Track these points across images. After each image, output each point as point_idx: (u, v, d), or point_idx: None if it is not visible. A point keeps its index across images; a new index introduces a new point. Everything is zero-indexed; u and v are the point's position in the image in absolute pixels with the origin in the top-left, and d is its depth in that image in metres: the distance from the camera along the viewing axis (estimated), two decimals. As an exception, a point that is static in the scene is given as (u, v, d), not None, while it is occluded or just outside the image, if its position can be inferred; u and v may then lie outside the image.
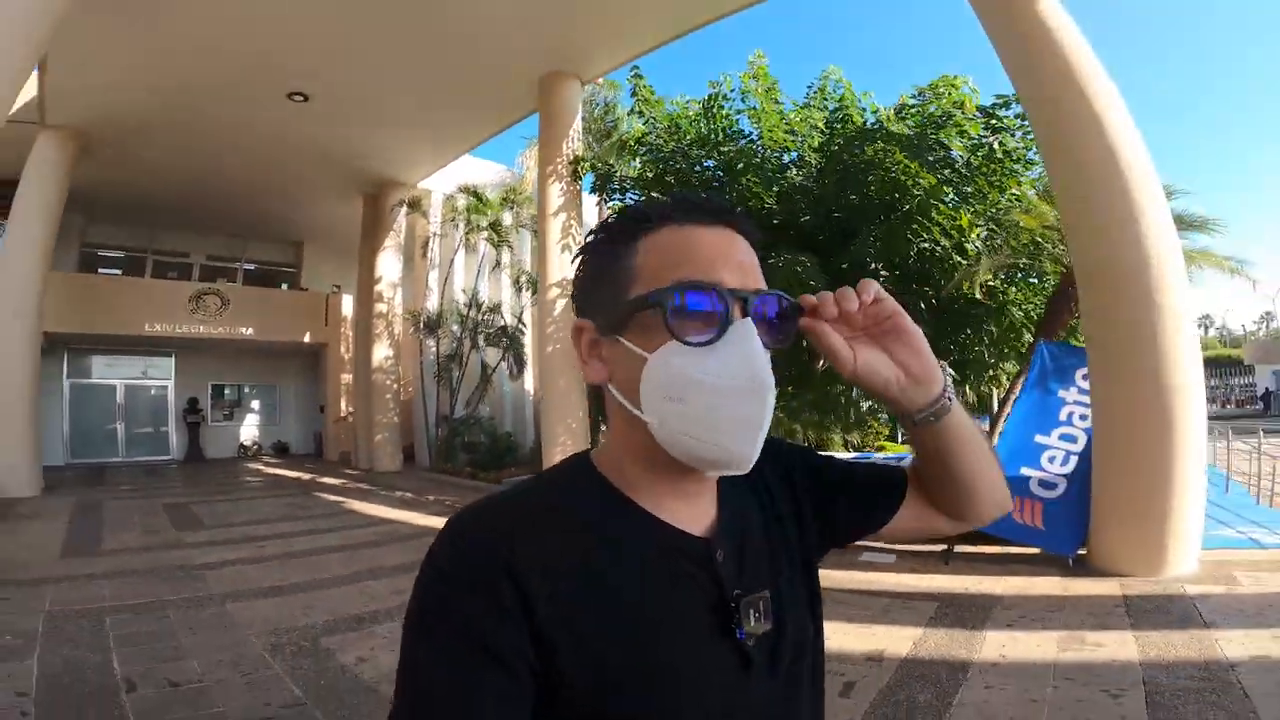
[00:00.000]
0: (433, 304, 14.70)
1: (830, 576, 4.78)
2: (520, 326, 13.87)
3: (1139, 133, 4.74)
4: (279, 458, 17.23)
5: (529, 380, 14.89)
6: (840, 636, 3.44)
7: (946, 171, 7.36)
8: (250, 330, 15.77)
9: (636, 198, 9.67)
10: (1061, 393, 5.58)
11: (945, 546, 5.27)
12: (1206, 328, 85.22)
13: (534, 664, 0.52)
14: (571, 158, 8.88)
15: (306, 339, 16.95)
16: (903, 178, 6.91)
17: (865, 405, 8.65)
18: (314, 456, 17.43)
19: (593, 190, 9.30)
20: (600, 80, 11.39)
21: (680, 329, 0.54)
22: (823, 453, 0.80)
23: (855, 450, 8.58)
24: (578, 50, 8.70)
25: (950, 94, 7.67)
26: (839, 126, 7.94)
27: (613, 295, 0.59)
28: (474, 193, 12.60)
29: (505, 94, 9.57)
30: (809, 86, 8.98)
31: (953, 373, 8.08)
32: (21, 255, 9.23)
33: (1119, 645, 3.22)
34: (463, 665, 0.50)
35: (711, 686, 0.57)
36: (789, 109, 8.38)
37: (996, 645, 3.33)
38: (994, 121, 7.06)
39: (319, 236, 17.85)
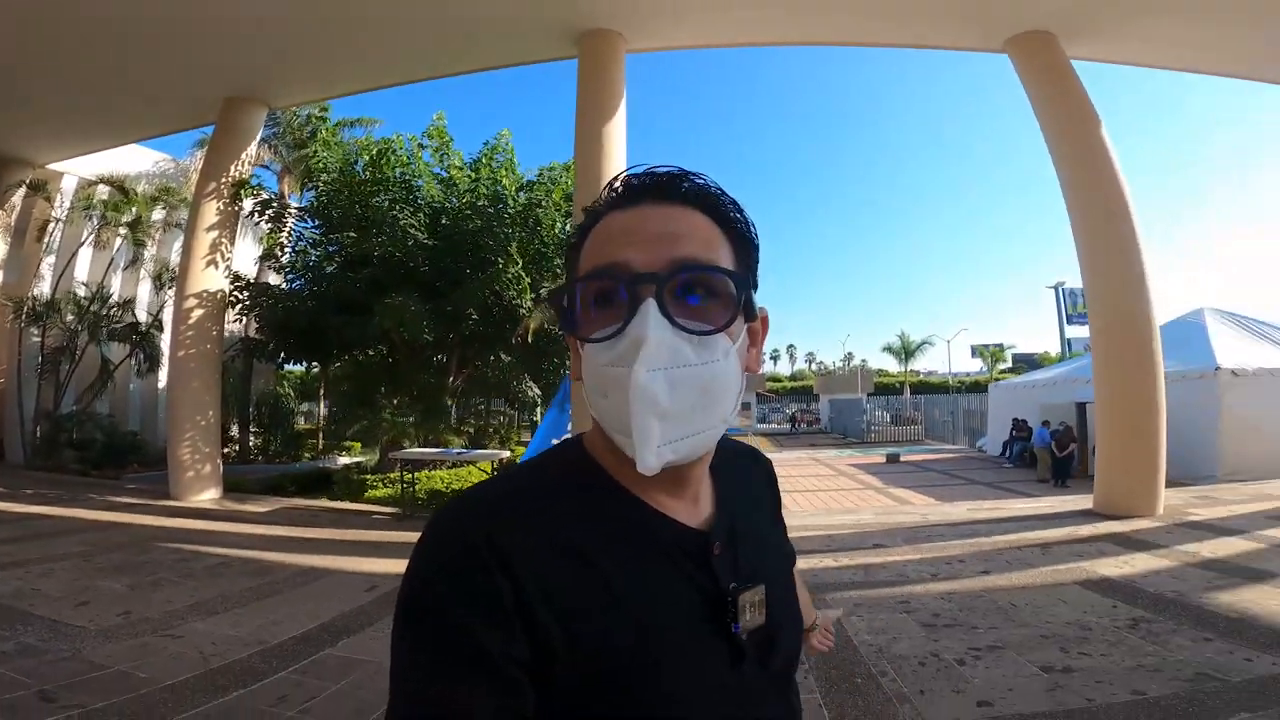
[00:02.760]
0: (42, 291, 13.35)
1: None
2: (158, 323, 13.49)
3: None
4: None
5: (163, 378, 14.37)
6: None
7: (535, 245, 10.44)
8: None
9: (305, 226, 10.94)
10: (571, 411, 8.57)
11: None
12: (810, 362, 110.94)
13: (527, 659, 0.49)
14: (237, 179, 9.48)
15: None
16: (491, 253, 9.64)
17: (456, 416, 11.27)
18: None
19: (251, 214, 10.29)
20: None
21: (588, 325, 0.55)
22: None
23: (466, 446, 10.98)
24: (265, 79, 9.21)
25: (564, 179, 10.86)
26: (479, 189, 10.42)
27: (565, 294, 0.58)
28: (119, 186, 12.11)
29: (184, 103, 9.63)
30: (485, 142, 11.39)
31: (538, 390, 11.17)
32: None
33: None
34: (451, 665, 0.48)
35: (704, 679, 0.55)
36: (459, 165, 10.70)
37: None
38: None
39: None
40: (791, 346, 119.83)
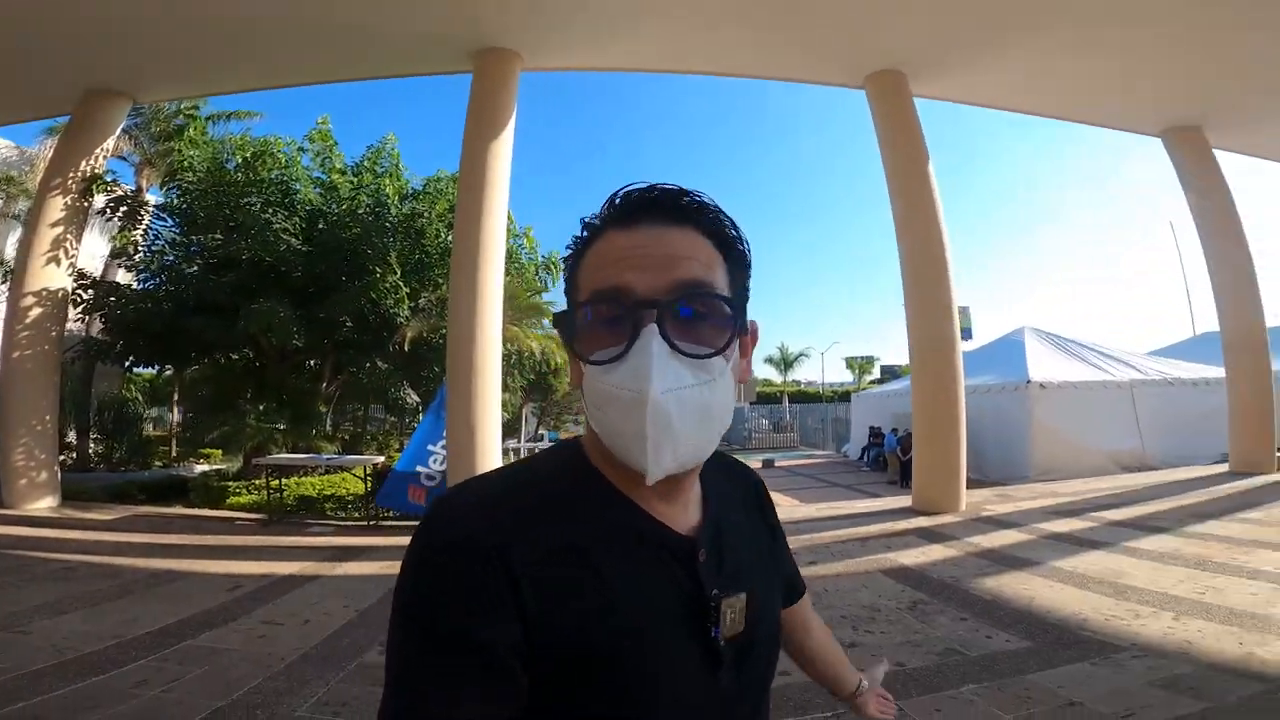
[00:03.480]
0: None
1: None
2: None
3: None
4: None
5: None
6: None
7: (417, 255, 10.55)
8: None
9: (164, 225, 10.40)
10: (445, 417, 8.76)
11: (371, 521, 7.96)
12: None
13: (520, 648, 0.52)
14: (90, 174, 8.91)
15: None
16: (369, 261, 9.71)
17: (330, 423, 11.18)
18: None
19: (102, 213, 9.69)
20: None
21: (590, 344, 0.57)
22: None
23: (339, 452, 10.84)
24: (133, 74, 8.65)
25: (449, 190, 10.99)
26: (359, 194, 10.35)
27: (569, 303, 0.61)
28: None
29: (38, 92, 8.85)
30: (368, 146, 11.26)
31: (417, 397, 11.26)
32: None
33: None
34: (448, 650, 0.50)
35: (680, 680, 0.58)
36: (340, 168, 10.54)
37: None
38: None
39: None
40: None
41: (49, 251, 8.56)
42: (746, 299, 0.64)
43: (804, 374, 50.28)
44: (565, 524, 0.58)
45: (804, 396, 41.32)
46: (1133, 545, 5.40)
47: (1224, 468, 9.57)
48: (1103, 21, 7.55)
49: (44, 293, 8.53)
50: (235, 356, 11.17)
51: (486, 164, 7.70)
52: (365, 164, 10.96)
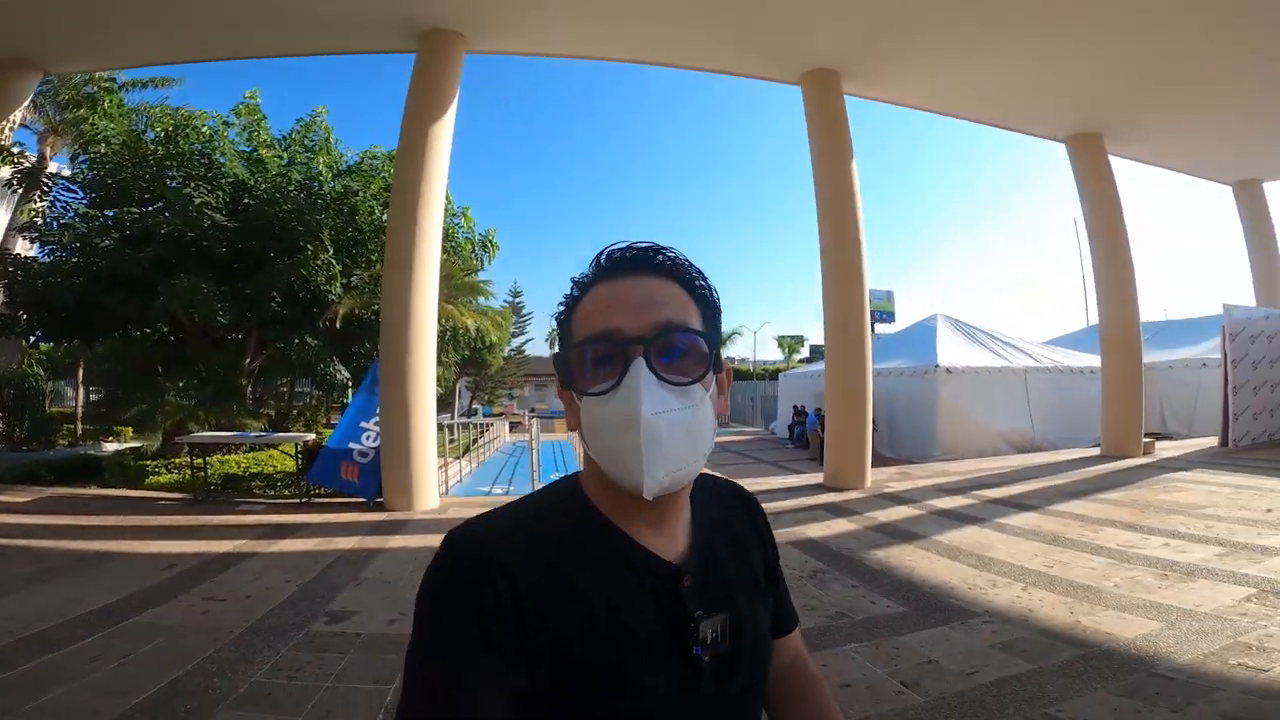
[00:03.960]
0: None
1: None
2: None
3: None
4: None
5: None
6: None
7: (350, 232, 10.41)
8: None
9: (74, 198, 9.84)
10: (380, 394, 8.74)
11: (302, 499, 7.93)
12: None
13: (526, 651, 0.59)
14: None
15: None
16: (300, 239, 9.56)
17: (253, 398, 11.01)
18: None
19: (8, 185, 9.10)
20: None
21: (587, 381, 0.66)
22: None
23: (266, 429, 10.64)
24: (40, 42, 8.03)
25: (385, 168, 10.82)
26: (290, 169, 10.09)
27: (562, 345, 0.71)
28: None
29: None
30: (298, 120, 10.87)
31: (348, 373, 11.16)
32: None
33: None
34: (467, 651, 0.58)
35: (666, 698, 0.64)
36: (268, 142, 10.19)
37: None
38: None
39: None
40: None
41: None
42: (718, 340, 0.72)
43: (736, 351, 51.39)
44: (562, 551, 0.65)
45: (736, 374, 42.33)
46: (1003, 521, 6.03)
47: (1097, 451, 10.59)
48: (1016, 26, 8.10)
49: None
50: (149, 331, 10.74)
51: (427, 144, 7.71)
52: (294, 137, 10.66)
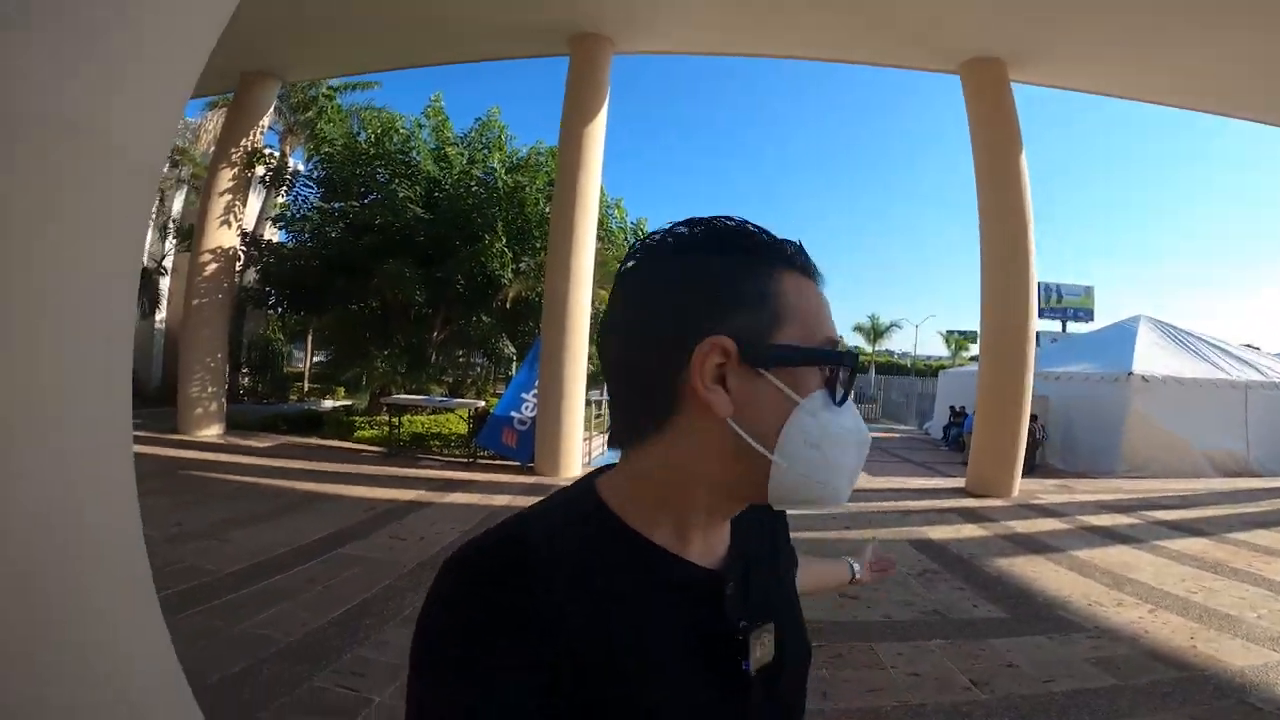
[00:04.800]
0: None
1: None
2: (161, 269, 14.44)
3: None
4: None
5: (158, 320, 15.41)
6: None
7: (519, 222, 11.58)
8: None
9: (308, 192, 11.96)
10: (538, 368, 9.63)
11: (470, 459, 9.15)
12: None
13: (551, 670, 0.49)
14: (252, 148, 10.43)
15: None
16: (479, 229, 10.82)
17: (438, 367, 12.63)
18: None
19: (262, 181, 11.30)
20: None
21: (814, 386, 0.56)
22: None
23: (446, 395, 12.27)
24: (280, 57, 9.91)
25: (548, 164, 11.91)
26: (471, 166, 11.50)
27: (754, 323, 0.56)
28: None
29: (207, 73, 10.34)
30: (476, 119, 12.33)
31: (514, 349, 12.46)
32: None
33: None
34: (485, 667, 0.48)
35: (711, 716, 0.57)
36: (452, 140, 11.73)
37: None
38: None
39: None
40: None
41: (221, 216, 10.21)
42: None
43: (896, 344, 48.56)
44: (588, 564, 0.55)
45: (892, 368, 40.09)
46: (1161, 544, 5.53)
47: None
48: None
49: (218, 250, 10.20)
50: (362, 306, 12.73)
51: (582, 142, 8.43)
52: (474, 136, 12.00)
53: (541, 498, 0.62)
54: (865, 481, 8.93)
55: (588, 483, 0.62)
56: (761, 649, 0.61)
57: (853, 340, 44.95)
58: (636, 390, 0.58)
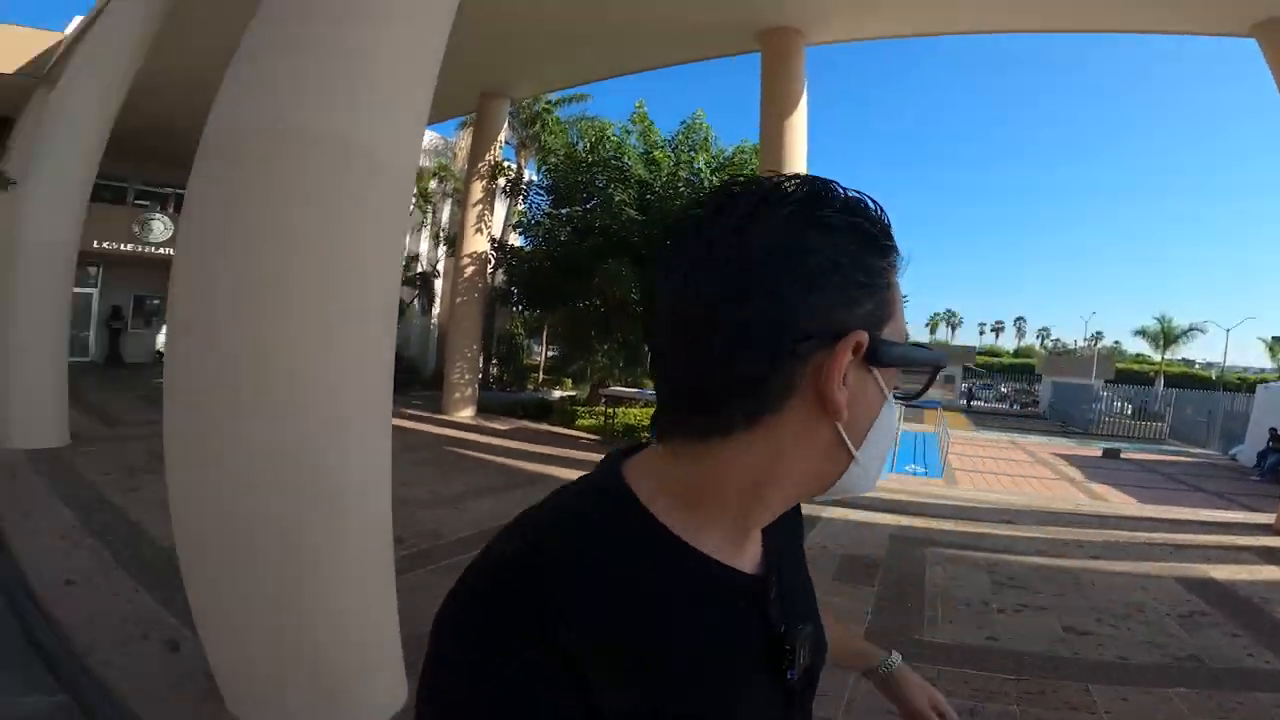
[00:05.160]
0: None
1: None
2: (435, 272, 17.08)
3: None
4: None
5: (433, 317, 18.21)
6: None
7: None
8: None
9: (540, 199, 13.33)
10: None
11: None
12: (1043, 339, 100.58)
13: (585, 692, 0.44)
14: (493, 163, 12.18)
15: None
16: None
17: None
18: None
19: (504, 192, 12.84)
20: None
21: (893, 384, 0.55)
22: None
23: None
24: (507, 77, 11.50)
25: (752, 162, 11.90)
26: (678, 169, 11.95)
27: (877, 315, 0.50)
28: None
29: (452, 96, 11.76)
30: (681, 122, 12.81)
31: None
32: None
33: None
34: (548, 696, 0.43)
35: None
36: (659, 144, 12.34)
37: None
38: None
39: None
40: (1020, 320, 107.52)
41: (475, 224, 11.96)
42: None
43: (1196, 353, 40.02)
44: (622, 588, 0.48)
45: (1188, 380, 33.05)
46: None
47: None
48: None
49: (474, 254, 11.97)
50: (587, 304, 13.80)
51: (783, 140, 8.31)
52: (680, 139, 12.30)
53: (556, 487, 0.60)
54: (1133, 509, 7.49)
55: (612, 471, 0.57)
56: (804, 655, 0.58)
57: (1137, 347, 38.08)
58: (728, 378, 0.47)
